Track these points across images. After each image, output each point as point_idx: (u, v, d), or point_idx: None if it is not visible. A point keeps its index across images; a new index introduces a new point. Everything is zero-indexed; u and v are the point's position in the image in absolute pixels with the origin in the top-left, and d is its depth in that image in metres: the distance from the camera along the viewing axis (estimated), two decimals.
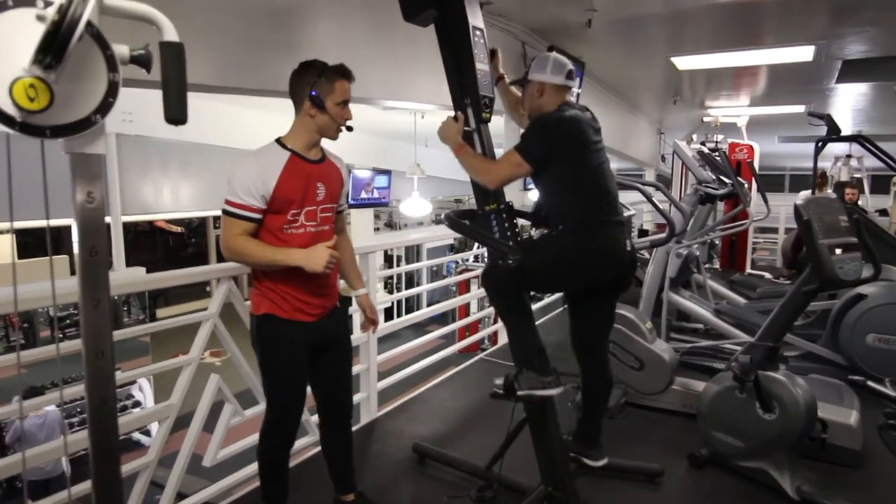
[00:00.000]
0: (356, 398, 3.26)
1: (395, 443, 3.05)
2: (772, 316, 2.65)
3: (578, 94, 4.88)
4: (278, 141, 1.96)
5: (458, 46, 2.33)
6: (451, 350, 4.53)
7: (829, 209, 2.46)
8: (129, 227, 14.94)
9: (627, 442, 3.04)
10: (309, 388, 2.16)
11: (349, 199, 9.39)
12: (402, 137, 9.20)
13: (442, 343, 5.08)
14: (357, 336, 3.24)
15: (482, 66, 2.38)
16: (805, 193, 5.38)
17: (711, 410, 2.75)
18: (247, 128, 7.19)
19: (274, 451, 2.09)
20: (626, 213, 3.66)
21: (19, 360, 1.66)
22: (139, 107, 6.62)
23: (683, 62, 5.23)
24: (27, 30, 0.74)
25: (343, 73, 1.93)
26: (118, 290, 2.48)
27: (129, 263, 8.38)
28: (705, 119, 7.56)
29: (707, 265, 7.10)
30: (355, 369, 3.26)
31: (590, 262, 2.16)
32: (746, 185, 4.86)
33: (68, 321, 11.79)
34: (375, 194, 9.80)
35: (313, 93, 1.89)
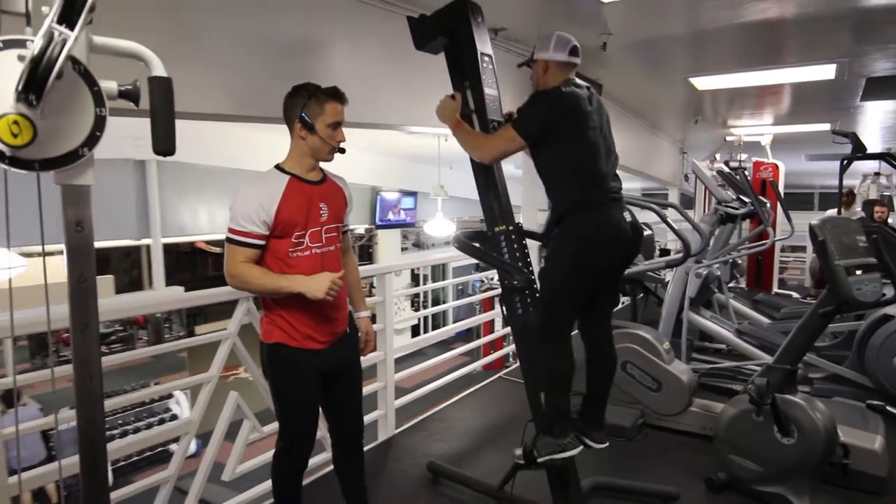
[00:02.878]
0: (373, 415, 3.24)
1: (411, 461, 3.01)
2: (789, 338, 2.55)
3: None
4: (278, 166, 1.95)
5: (468, 73, 2.35)
6: (475, 365, 4.52)
7: (847, 229, 2.37)
8: (172, 248, 15.37)
9: (644, 464, 2.95)
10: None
11: (377, 221, 9.51)
12: (427, 160, 9.28)
13: (466, 360, 5.05)
14: (375, 355, 3.24)
15: (491, 91, 2.38)
16: (832, 212, 5.20)
17: (729, 433, 2.65)
18: (278, 153, 7.29)
19: (287, 475, 2.05)
20: (645, 233, 3.61)
21: (53, 376, 1.68)
22: (179, 135, 6.80)
23: (702, 82, 5.14)
24: (13, 69, 0.77)
25: (334, 94, 1.90)
26: (123, 313, 2.50)
27: (172, 282, 8.60)
28: (728, 138, 7.40)
29: (732, 284, 6.91)
30: (373, 387, 3.25)
31: (591, 250, 2.07)
32: (769, 205, 4.73)
33: (112, 336, 12.13)
34: (402, 215, 9.88)
35: (302, 114, 1.88)
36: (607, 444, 2.39)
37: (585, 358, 2.37)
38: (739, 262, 6.11)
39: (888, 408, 2.52)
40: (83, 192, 0.88)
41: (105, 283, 8.71)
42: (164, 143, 0.91)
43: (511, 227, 2.29)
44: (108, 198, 6.76)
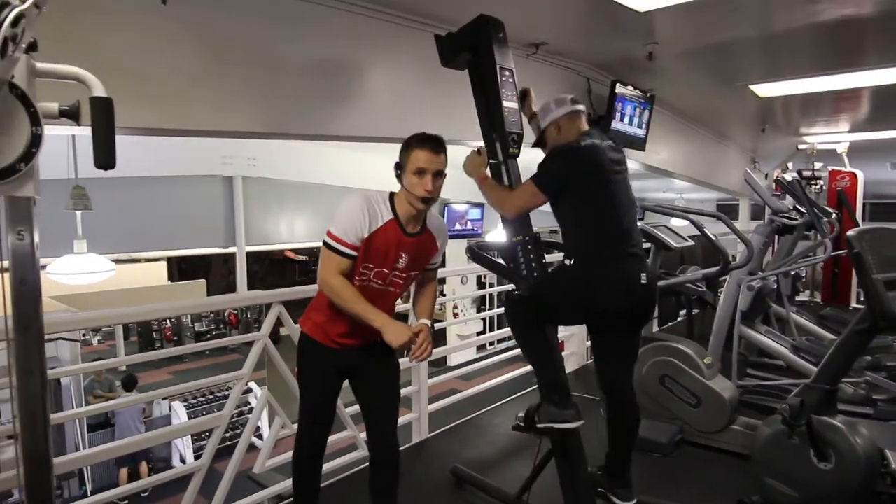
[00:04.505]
0: (407, 417, 3.24)
1: (439, 464, 2.97)
2: (827, 357, 2.29)
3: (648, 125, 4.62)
4: (392, 196, 1.89)
5: (488, 86, 2.32)
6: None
7: (890, 241, 2.11)
8: (265, 256, 16.31)
9: (676, 482, 2.76)
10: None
11: None
12: None
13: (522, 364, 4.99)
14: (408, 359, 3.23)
15: (510, 104, 2.34)
16: None
17: (764, 455, 2.41)
18: (352, 168, 7.57)
19: (303, 460, 2.09)
20: (684, 244, 3.39)
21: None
22: (261, 154, 7.21)
23: (763, 89, 4.79)
24: None
25: (420, 140, 1.83)
26: (146, 316, 2.61)
27: (264, 286, 9.03)
28: (800, 146, 6.82)
29: (805, 298, 6.34)
30: (405, 391, 3.25)
31: (598, 294, 2.00)
32: (835, 215, 4.31)
33: (209, 336, 12.92)
34: (468, 226, 9.92)
35: (397, 162, 1.87)
36: (635, 502, 2.25)
37: (606, 413, 2.27)
38: (804, 275, 5.59)
39: None
40: (24, 202, 0.94)
41: (199, 286, 9.32)
42: (103, 158, 0.95)
43: (528, 237, 2.24)
44: (199, 210, 7.25)
